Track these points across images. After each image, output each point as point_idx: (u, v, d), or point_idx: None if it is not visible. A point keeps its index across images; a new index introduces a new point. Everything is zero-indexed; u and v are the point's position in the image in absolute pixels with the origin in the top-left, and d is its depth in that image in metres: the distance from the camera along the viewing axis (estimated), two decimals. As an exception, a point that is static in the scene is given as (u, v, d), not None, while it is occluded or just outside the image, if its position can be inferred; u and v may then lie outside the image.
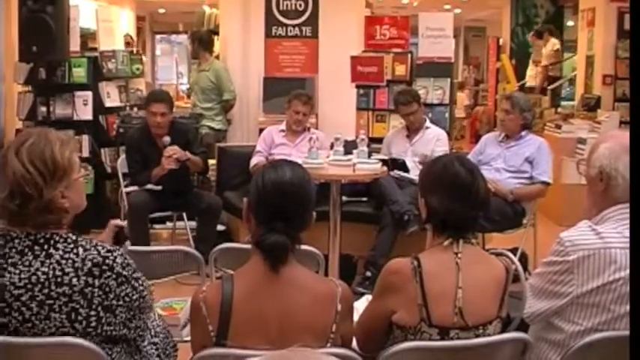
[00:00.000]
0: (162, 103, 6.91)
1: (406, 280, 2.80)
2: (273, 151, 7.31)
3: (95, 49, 9.36)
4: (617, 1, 11.68)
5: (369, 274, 6.46)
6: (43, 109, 8.52)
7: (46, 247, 2.58)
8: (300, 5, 9.32)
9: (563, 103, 14.03)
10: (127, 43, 11.21)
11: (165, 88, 16.79)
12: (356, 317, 3.00)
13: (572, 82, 14.70)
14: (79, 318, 2.56)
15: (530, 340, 2.88)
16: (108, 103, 8.87)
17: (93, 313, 2.57)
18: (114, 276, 2.59)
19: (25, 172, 2.55)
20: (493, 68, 17.28)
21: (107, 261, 2.59)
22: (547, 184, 6.59)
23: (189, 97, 9.64)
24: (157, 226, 7.74)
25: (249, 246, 2.74)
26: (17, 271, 2.54)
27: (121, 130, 8.46)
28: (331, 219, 6.16)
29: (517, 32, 16.86)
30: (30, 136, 2.64)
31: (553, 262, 3.02)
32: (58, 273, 2.54)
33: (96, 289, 2.56)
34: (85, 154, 8.41)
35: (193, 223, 7.29)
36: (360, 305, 3.24)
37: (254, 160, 7.30)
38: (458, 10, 18.79)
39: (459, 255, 2.83)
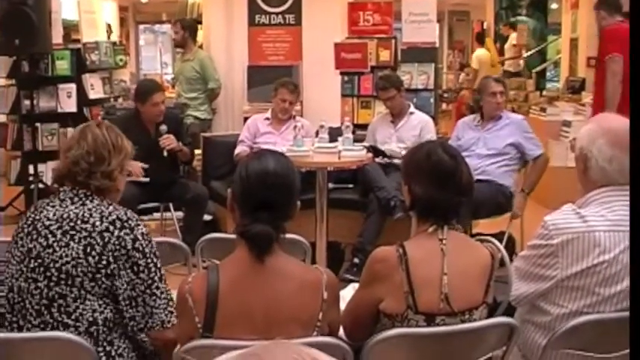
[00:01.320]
0: (162, 92, 7.00)
1: (392, 268, 2.81)
2: (258, 139, 7.29)
3: (78, 40, 9.33)
4: (601, -17, 11.64)
5: (356, 260, 6.46)
6: (27, 102, 8.47)
7: (83, 198, 2.98)
8: (283, -7, 9.29)
9: (548, 86, 14.05)
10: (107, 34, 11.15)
11: (149, 77, 16.74)
12: (343, 306, 3.01)
13: (556, 64, 14.74)
14: (93, 253, 2.85)
15: (517, 324, 2.89)
16: (92, 95, 8.84)
17: (105, 254, 2.86)
18: (132, 236, 2.90)
19: (103, 139, 3.05)
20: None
21: (130, 222, 2.93)
22: (543, 155, 6.66)
23: (174, 86, 9.61)
24: (144, 217, 7.71)
25: (234, 236, 2.74)
26: (53, 210, 2.95)
27: (106, 122, 8.41)
28: (318, 206, 6.18)
29: (501, 15, 16.90)
30: (105, 123, 3.24)
31: (538, 245, 3.04)
32: (86, 214, 2.92)
33: (114, 238, 2.88)
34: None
35: (180, 214, 7.28)
36: (347, 294, 3.25)
37: (238, 149, 7.28)
38: (442, -6, 18.78)
39: (444, 241, 2.83)
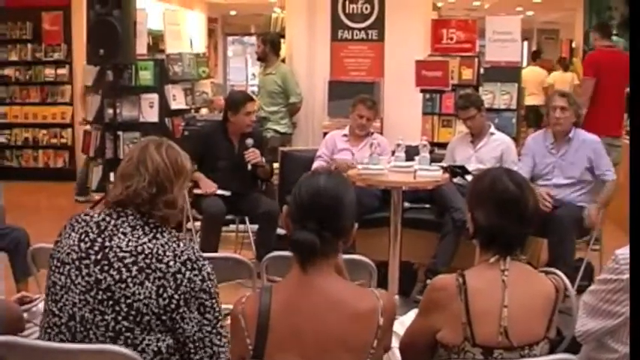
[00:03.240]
0: (254, 101, 7.10)
1: (450, 297, 2.74)
2: (335, 156, 7.25)
3: (163, 51, 9.46)
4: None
5: (429, 281, 6.37)
6: (110, 111, 8.64)
7: (154, 230, 2.85)
8: (367, 8, 9.24)
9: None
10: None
11: (236, 88, 16.92)
12: (402, 331, 2.95)
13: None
14: (165, 295, 2.75)
15: (579, 362, 2.79)
16: (174, 106, 8.95)
17: (176, 297, 2.76)
18: (200, 277, 2.80)
19: (164, 167, 2.91)
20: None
21: (198, 262, 2.82)
22: (613, 181, 6.42)
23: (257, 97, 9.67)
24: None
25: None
26: (126, 239, 2.81)
27: (186, 133, 8.51)
28: (392, 225, 6.11)
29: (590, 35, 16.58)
30: (162, 140, 3.05)
31: (607, 280, 2.94)
32: (160, 252, 2.79)
33: (185, 279, 2.77)
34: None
35: (255, 227, 7.29)
36: (408, 320, 3.18)
37: (315, 165, 7.25)
38: (530, 12, 18.56)
39: (506, 272, 2.75)
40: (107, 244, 2.80)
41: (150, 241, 2.82)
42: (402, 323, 3.09)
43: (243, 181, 6.89)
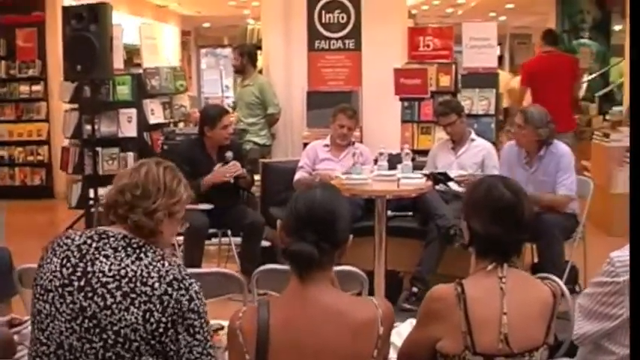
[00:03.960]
0: (229, 114, 7.09)
1: (450, 307, 2.74)
2: (317, 166, 7.25)
3: (139, 65, 9.42)
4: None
5: (415, 289, 6.39)
6: (89, 127, 8.59)
7: (137, 251, 2.77)
8: (343, 18, 9.25)
9: (611, 110, 13.82)
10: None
11: (211, 101, 16.89)
12: (400, 342, 2.94)
13: (620, 87, 14.52)
14: (152, 320, 2.66)
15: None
16: (152, 120, 8.91)
17: (164, 320, 2.68)
18: (187, 296, 2.72)
19: (155, 176, 2.89)
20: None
21: (185, 282, 2.74)
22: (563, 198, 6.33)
23: (234, 110, 9.62)
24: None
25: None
26: (109, 262, 2.73)
27: (166, 147, 8.47)
28: (376, 234, 6.12)
29: (563, 39, 16.66)
30: (166, 162, 3.03)
31: (603, 282, 2.95)
32: (144, 274, 2.71)
33: (172, 301, 2.69)
34: (130, 171, 8.39)
35: (238, 239, 7.26)
36: (404, 329, 3.17)
37: (297, 176, 7.26)
38: (503, 18, 18.65)
39: (504, 280, 2.76)
40: (89, 269, 2.72)
41: (133, 262, 2.74)
42: (399, 333, 3.08)
43: (225, 194, 6.85)
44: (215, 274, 4.13)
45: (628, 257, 2.86)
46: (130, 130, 8.75)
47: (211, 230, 7.07)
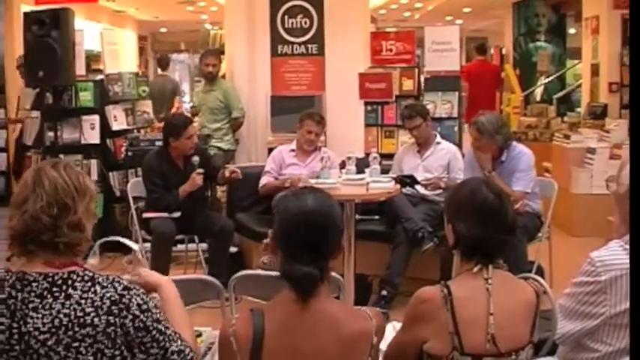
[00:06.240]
0: (193, 124, 7.09)
1: (437, 308, 2.76)
2: (284, 171, 7.26)
3: (100, 70, 9.33)
4: (621, 8, 11.67)
5: (384, 293, 6.43)
6: (51, 134, 8.47)
7: (64, 287, 2.55)
8: (306, 23, 9.25)
9: (569, 112, 14.00)
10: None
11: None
12: (384, 346, 2.96)
13: (576, 89, 14.73)
14: (105, 358, 2.54)
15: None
16: (115, 127, 8.82)
17: (117, 352, 2.55)
18: (130, 317, 2.56)
19: (63, 183, 2.60)
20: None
21: (124, 300, 2.57)
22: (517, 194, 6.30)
23: (193, 115, 9.53)
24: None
25: (269, 273, 2.69)
26: (40, 316, 2.52)
27: (129, 154, 8.42)
28: (345, 239, 6.11)
29: (520, 42, 16.85)
30: (59, 160, 2.76)
31: (584, 282, 2.99)
32: (79, 314, 2.52)
33: (118, 329, 2.54)
34: (94, 177, 8.33)
35: (204, 245, 7.24)
36: (388, 334, 3.19)
37: (263, 180, 7.26)
38: (459, 21, 18.81)
39: (489, 281, 2.79)
40: (23, 329, 2.52)
41: (63, 305, 2.52)
42: (384, 338, 3.10)
43: (193, 201, 6.82)
44: (192, 281, 4.12)
45: (608, 257, 2.93)
46: (92, 136, 8.65)
47: (178, 237, 7.06)
